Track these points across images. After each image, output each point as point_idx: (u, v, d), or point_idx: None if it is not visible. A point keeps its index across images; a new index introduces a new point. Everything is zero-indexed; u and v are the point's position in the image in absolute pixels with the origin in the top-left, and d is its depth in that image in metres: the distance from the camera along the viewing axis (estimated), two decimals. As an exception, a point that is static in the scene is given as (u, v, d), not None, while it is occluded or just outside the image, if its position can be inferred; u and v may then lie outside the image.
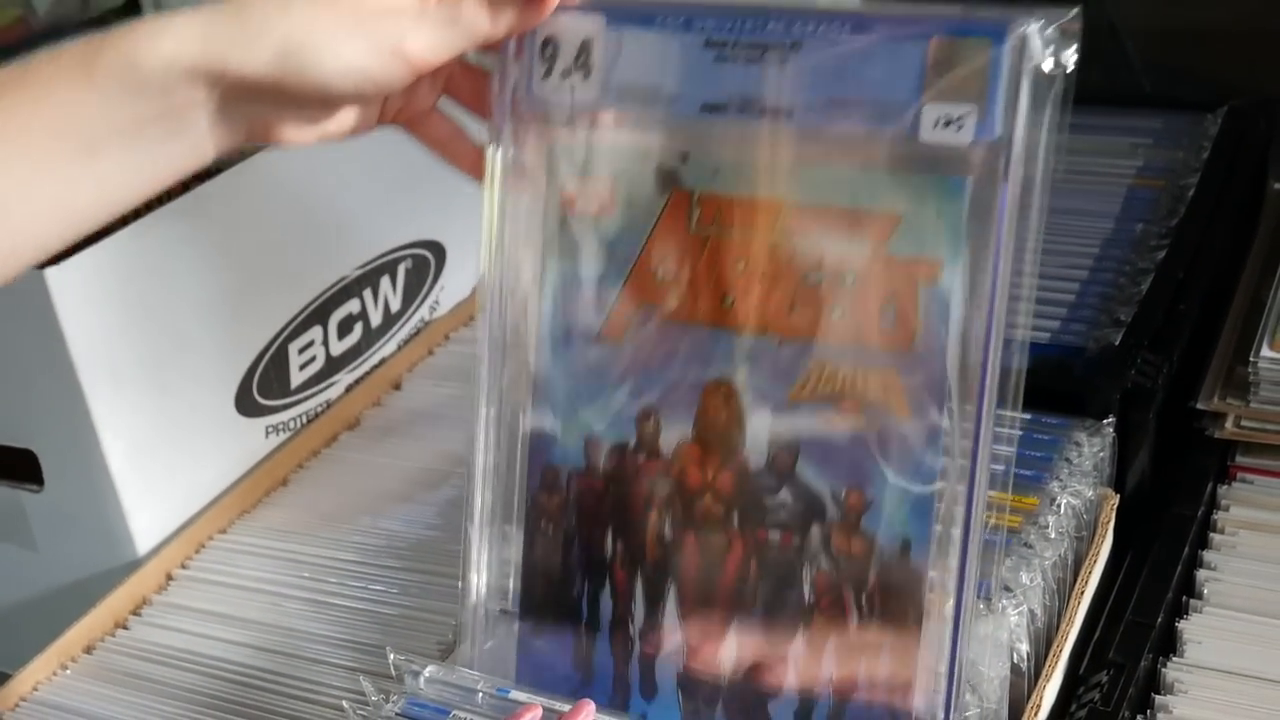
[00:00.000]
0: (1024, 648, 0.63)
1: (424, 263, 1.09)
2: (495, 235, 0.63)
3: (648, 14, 0.58)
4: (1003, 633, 0.61)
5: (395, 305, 1.06)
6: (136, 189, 0.55)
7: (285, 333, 0.96)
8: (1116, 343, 0.80)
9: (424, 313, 1.10)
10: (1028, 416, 0.74)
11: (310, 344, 0.98)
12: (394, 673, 0.64)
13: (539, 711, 0.57)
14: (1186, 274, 0.87)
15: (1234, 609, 0.72)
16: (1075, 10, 0.53)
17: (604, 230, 0.61)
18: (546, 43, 0.59)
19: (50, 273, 0.80)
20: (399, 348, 1.07)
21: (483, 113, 0.62)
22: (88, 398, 0.83)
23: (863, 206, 0.56)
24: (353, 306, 1.02)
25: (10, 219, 0.52)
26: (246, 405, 0.94)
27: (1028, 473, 0.71)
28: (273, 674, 0.76)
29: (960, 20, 0.53)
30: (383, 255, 1.04)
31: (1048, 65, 0.52)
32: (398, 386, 1.04)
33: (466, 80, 0.63)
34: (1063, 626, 0.66)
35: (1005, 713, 0.61)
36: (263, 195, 0.94)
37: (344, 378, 1.02)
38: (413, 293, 1.08)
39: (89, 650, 0.80)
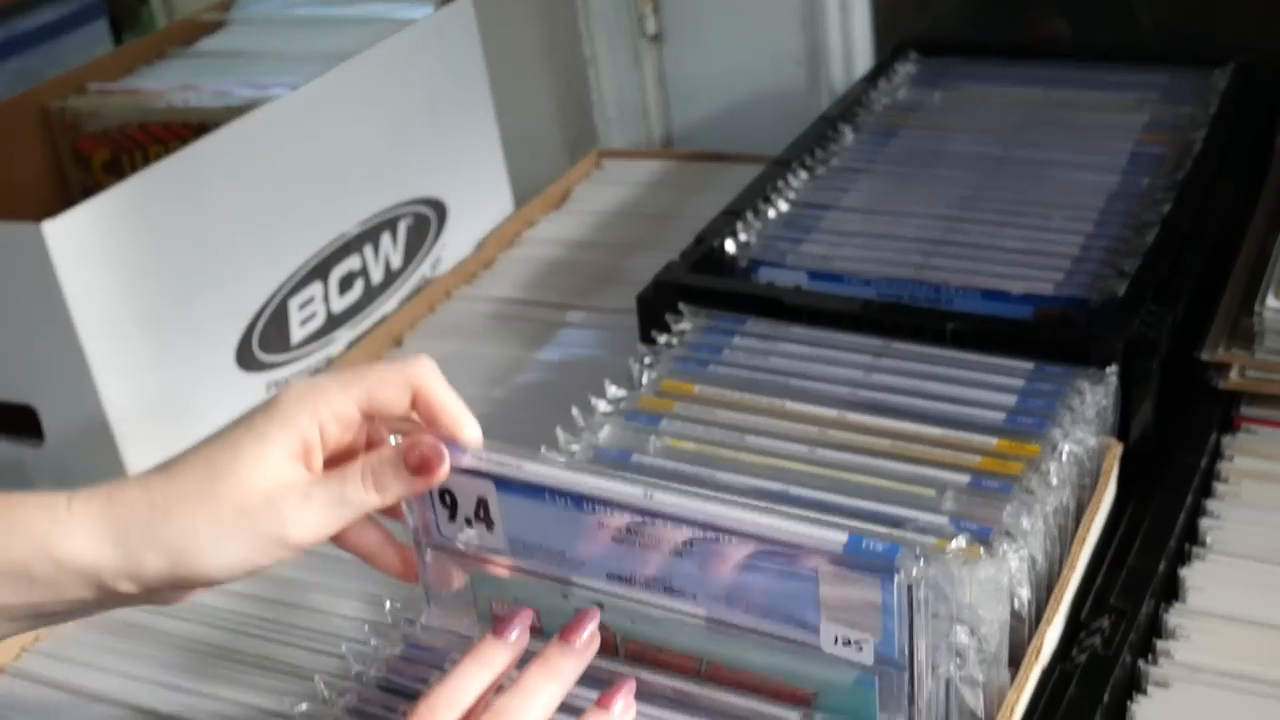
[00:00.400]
0: (1024, 593, 0.63)
1: (425, 220, 1.08)
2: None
3: (535, 489, 0.56)
4: (1003, 577, 0.61)
5: (396, 262, 1.06)
6: (7, 636, 0.56)
7: (286, 288, 0.96)
8: (1121, 294, 0.79)
9: (425, 270, 1.09)
10: (1030, 366, 0.74)
11: (311, 300, 0.98)
12: (390, 620, 0.64)
13: (529, 616, 0.57)
14: (1192, 227, 0.86)
15: (1237, 555, 0.71)
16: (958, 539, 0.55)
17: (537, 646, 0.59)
18: (445, 493, 0.59)
19: (48, 226, 0.80)
20: (400, 305, 1.06)
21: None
22: (87, 353, 0.83)
23: (777, 679, 0.56)
24: (353, 263, 1.02)
25: None
26: (247, 360, 0.94)
27: (1030, 420, 0.70)
28: (274, 623, 0.76)
29: (848, 549, 0.51)
30: (384, 212, 1.04)
31: (943, 581, 0.52)
32: (399, 343, 1.04)
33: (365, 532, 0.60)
34: (1064, 572, 0.66)
35: (1005, 656, 0.61)
36: (263, 150, 0.94)
37: (345, 334, 1.02)
38: (414, 250, 1.08)
39: (89, 602, 0.80)
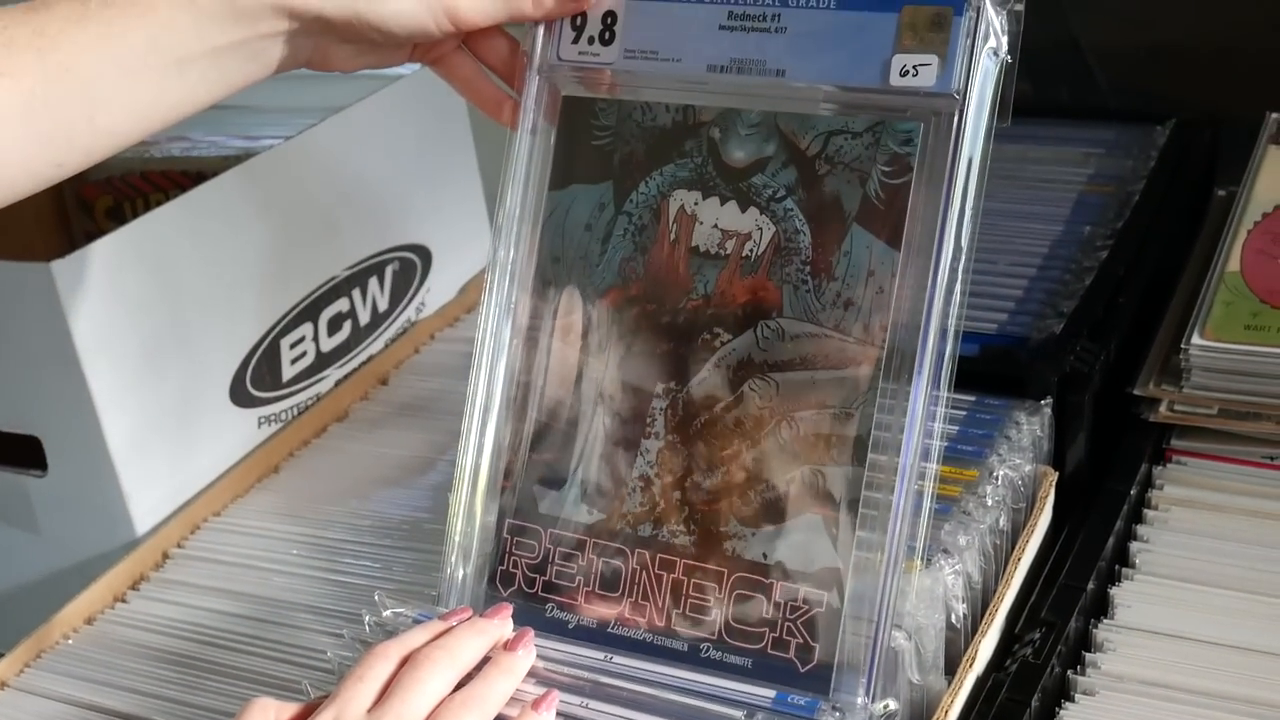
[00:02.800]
0: (961, 607, 0.68)
1: (411, 265, 1.14)
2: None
3: None
4: (939, 587, 0.66)
5: (383, 305, 1.11)
6: (211, 99, 0.64)
7: (278, 328, 1.01)
8: (1058, 332, 0.85)
9: (410, 313, 1.15)
10: (972, 398, 0.79)
11: (301, 339, 1.03)
12: (369, 633, 0.69)
13: (469, 612, 0.65)
14: (1128, 271, 0.92)
15: (1164, 577, 0.76)
16: None
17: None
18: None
19: (55, 265, 0.85)
20: (386, 346, 1.12)
21: (505, 76, 0.71)
22: (90, 386, 0.88)
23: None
24: (342, 305, 1.07)
25: (100, 119, 0.60)
26: (240, 396, 0.99)
27: (970, 448, 0.76)
28: (264, 640, 0.81)
29: (774, 697, 0.61)
30: (371, 257, 1.10)
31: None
32: (385, 382, 1.09)
33: (494, 43, 0.70)
34: (1000, 588, 0.71)
35: (941, 663, 0.66)
36: (258, 197, 0.99)
37: (333, 373, 1.07)
38: (400, 294, 1.13)
39: (89, 621, 0.85)
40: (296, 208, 1.03)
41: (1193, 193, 1.05)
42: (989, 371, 0.81)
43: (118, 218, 1.12)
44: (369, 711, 0.58)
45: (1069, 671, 0.71)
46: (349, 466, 0.98)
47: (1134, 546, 0.79)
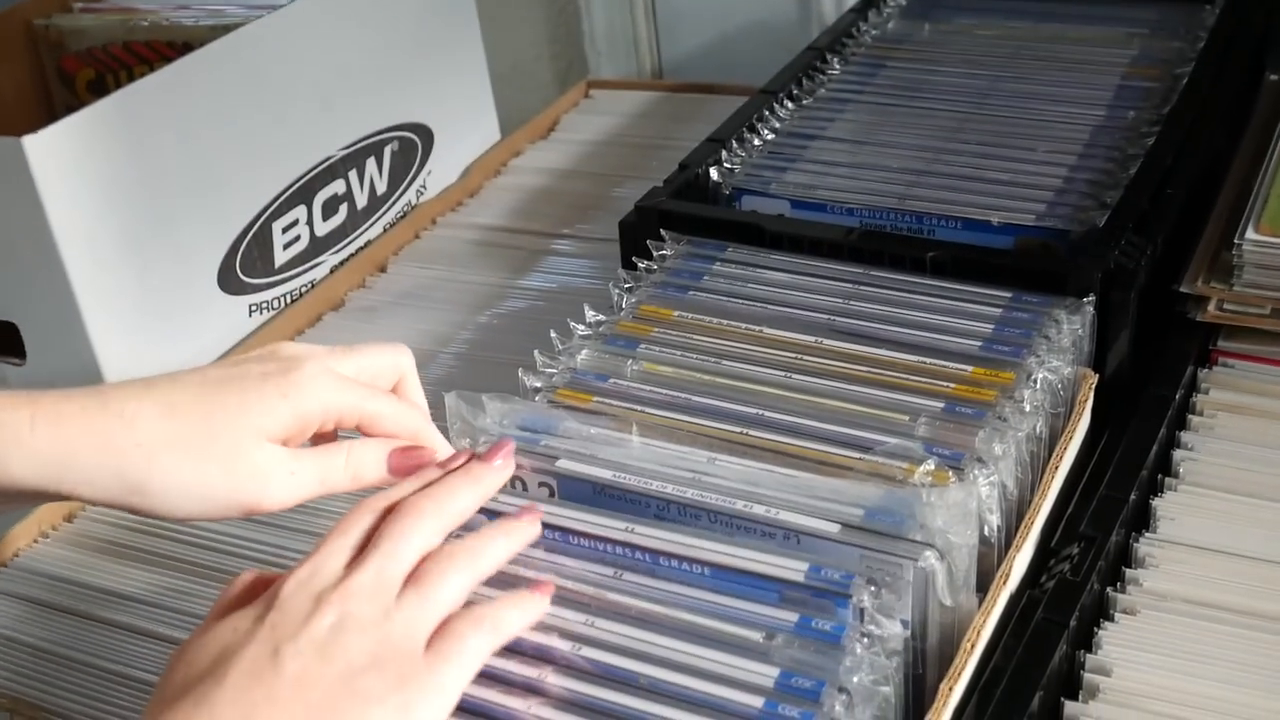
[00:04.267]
0: (994, 519, 0.63)
1: (411, 145, 1.08)
2: None
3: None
4: (972, 501, 0.61)
5: (381, 187, 1.06)
6: None
7: (269, 211, 0.96)
8: (1101, 225, 0.79)
9: (410, 196, 1.09)
10: (1009, 295, 0.74)
11: (294, 223, 0.98)
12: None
13: (467, 456, 0.60)
14: (1175, 160, 0.86)
15: (1209, 487, 0.72)
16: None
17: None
18: None
19: (28, 140, 0.80)
20: (385, 230, 1.06)
21: None
22: (68, 270, 0.83)
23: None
24: (338, 187, 1.02)
25: None
26: (230, 282, 0.94)
27: (1005, 349, 0.70)
28: (256, 543, 0.77)
29: (797, 620, 0.55)
30: (369, 136, 1.04)
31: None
32: (383, 269, 1.04)
33: None
34: (1035, 499, 0.66)
35: (974, 581, 0.62)
36: (247, 70, 0.93)
37: (329, 259, 1.02)
38: (399, 175, 1.07)
39: (69, 519, 0.81)
40: (289, 82, 0.97)
41: (1242, 76, 0.99)
42: (1026, 267, 0.76)
43: (100, 91, 1.06)
44: (347, 565, 0.52)
45: (1108, 589, 0.66)
46: (344, 358, 0.93)
47: (1177, 455, 0.74)
